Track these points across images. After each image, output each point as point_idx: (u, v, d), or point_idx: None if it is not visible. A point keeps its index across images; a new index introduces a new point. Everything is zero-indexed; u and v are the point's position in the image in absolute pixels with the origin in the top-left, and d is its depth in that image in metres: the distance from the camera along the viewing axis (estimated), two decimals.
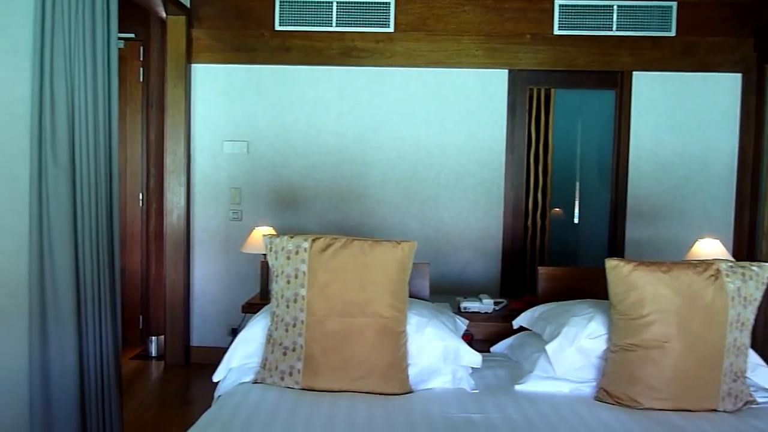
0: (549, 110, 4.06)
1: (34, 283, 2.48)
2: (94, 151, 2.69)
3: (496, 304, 3.14)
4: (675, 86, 3.95)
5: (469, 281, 4.03)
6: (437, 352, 2.06)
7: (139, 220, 4.35)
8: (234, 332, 4.08)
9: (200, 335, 4.16)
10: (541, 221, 4.12)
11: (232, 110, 4.04)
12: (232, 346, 2.16)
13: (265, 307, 2.28)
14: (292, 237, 2.08)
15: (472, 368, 2.10)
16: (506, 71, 3.97)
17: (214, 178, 4.07)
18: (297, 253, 2.02)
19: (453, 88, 3.98)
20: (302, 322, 1.96)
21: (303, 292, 1.97)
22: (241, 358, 2.11)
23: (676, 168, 3.97)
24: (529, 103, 4.03)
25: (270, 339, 2.02)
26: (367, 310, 1.96)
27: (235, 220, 4.07)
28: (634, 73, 3.95)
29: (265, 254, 2.56)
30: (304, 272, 1.99)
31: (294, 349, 1.95)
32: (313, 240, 2.05)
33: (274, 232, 2.99)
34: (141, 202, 4.35)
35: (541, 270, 2.68)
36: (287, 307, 1.99)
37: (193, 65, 4.03)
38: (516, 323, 2.46)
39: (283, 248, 2.05)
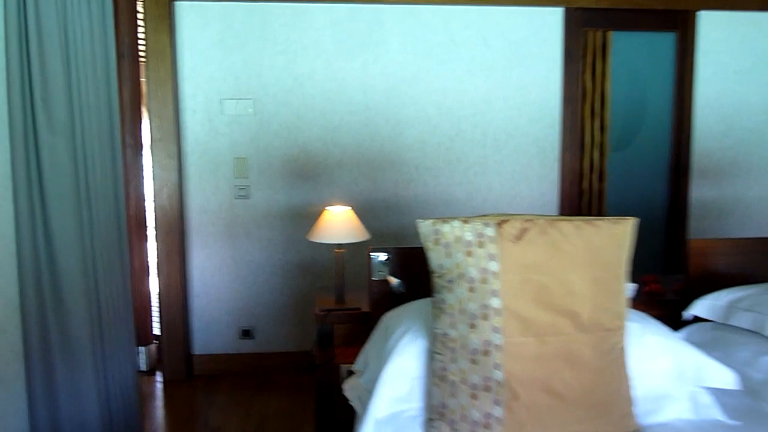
0: (606, 57, 3.55)
1: (30, 307, 1.68)
2: (96, 109, 1.88)
3: None
4: (743, 28, 3.51)
5: None
6: (666, 369, 1.49)
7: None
8: (246, 334, 3.35)
9: (204, 341, 3.39)
10: (599, 184, 3.64)
11: (232, 61, 3.22)
12: (377, 391, 1.45)
13: (403, 321, 1.61)
14: (466, 221, 1.41)
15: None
16: (561, 10, 3.37)
17: (213, 147, 3.26)
18: (481, 245, 1.36)
19: (500, 30, 3.35)
20: (497, 347, 1.32)
21: (496, 303, 1.33)
22: (392, 403, 1.45)
23: (742, 119, 3.56)
24: (584, 49, 3.47)
25: (443, 374, 1.36)
26: (585, 321, 1.35)
27: (242, 198, 3.30)
28: (699, 13, 3.47)
29: (383, 258, 1.90)
30: (495, 273, 1.34)
31: (488, 389, 1.31)
32: (499, 224, 1.39)
33: (351, 210, 2.39)
34: None
35: (693, 243, 2.16)
36: (472, 327, 1.33)
37: (177, 3, 3.17)
38: (690, 313, 1.93)
39: (457, 239, 1.39)
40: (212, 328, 3.38)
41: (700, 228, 3.61)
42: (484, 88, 3.36)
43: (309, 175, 3.31)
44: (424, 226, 1.45)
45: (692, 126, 3.55)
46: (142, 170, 3.37)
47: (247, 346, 3.40)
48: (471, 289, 1.34)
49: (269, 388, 3.24)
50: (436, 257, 1.42)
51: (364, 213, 3.31)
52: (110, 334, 1.90)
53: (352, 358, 1.91)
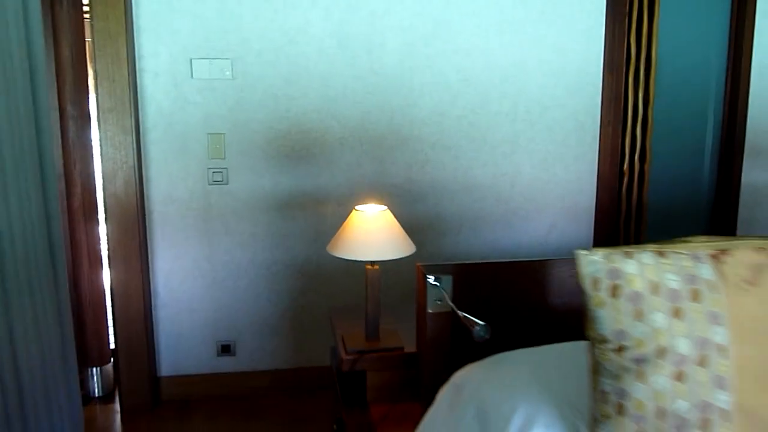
0: (654, 14, 2.99)
1: None
2: (3, 66, 1.22)
3: None
4: None
5: (554, 253, 2.95)
6: None
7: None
8: (226, 350, 2.73)
9: (173, 359, 2.76)
10: (640, 165, 3.12)
11: (204, 9, 2.53)
12: None
13: (518, 405, 1.03)
14: (662, 253, 0.83)
15: None
16: None
17: (180, 120, 2.59)
18: (696, 296, 0.79)
19: None
20: None
21: (724, 400, 0.76)
22: None
23: None
24: (630, 4, 2.91)
25: None
26: None
27: (218, 184, 2.64)
28: None
29: (434, 280, 1.30)
30: (721, 348, 0.77)
31: None
32: (715, 257, 0.81)
33: (388, 212, 1.70)
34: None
35: None
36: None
37: None
38: None
39: (653, 286, 0.81)
40: (183, 343, 2.74)
41: (751, 218, 3.14)
42: (515, 50, 2.76)
43: (302, 156, 2.68)
44: (591, 264, 0.87)
45: (749, 97, 3.04)
46: (91, 149, 2.67)
47: (226, 365, 2.78)
48: (680, 376, 0.77)
49: (255, 415, 2.65)
50: (612, 318, 0.84)
51: (368, 200, 2.71)
52: (36, 356, 1.27)
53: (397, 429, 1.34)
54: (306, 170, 2.69)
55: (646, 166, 3.04)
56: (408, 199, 2.77)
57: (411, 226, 2.77)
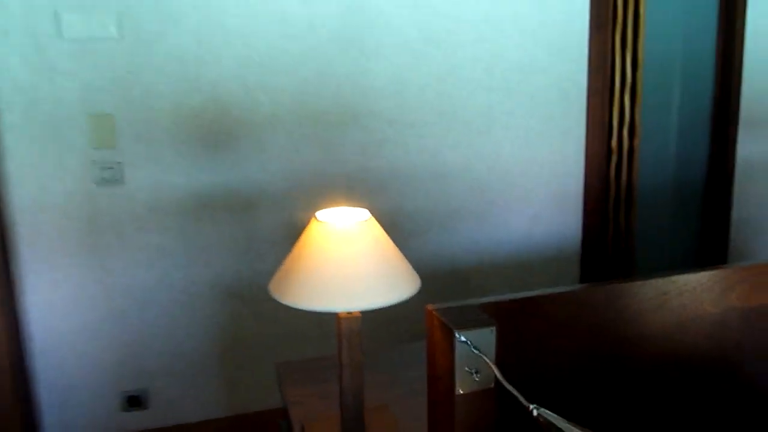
0: None
1: None
2: None
3: None
4: None
5: (539, 253, 2.45)
6: None
7: None
8: (135, 403, 2.07)
9: (61, 420, 2.06)
10: (629, 141, 2.66)
11: None
12: None
13: None
14: None
15: None
16: None
17: (48, 97, 1.87)
18: None
19: None
20: None
21: None
22: None
23: None
24: None
25: None
26: None
27: (108, 184, 1.96)
28: None
29: (468, 341, 0.75)
30: None
31: None
32: None
33: (373, 220, 0.99)
34: None
35: None
36: None
37: None
38: None
39: None
40: (74, 398, 2.05)
41: (745, 195, 2.76)
42: (488, 3, 2.22)
43: (222, 141, 2.03)
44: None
45: (743, 63, 2.65)
46: None
47: (136, 421, 2.11)
48: None
49: None
50: None
51: (313, 196, 2.10)
52: None
53: None
54: (229, 160, 2.04)
55: (636, 142, 2.59)
56: (362, 191, 2.19)
57: None
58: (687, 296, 1.00)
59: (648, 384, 0.99)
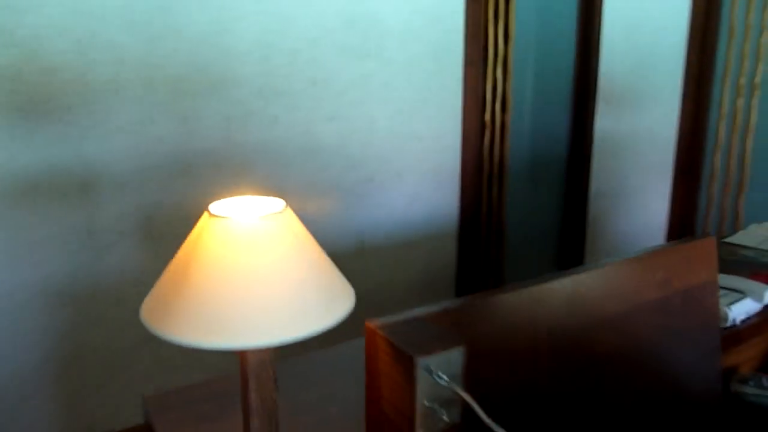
0: None
1: None
2: None
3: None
4: None
5: (418, 232, 2.35)
6: None
7: None
8: None
9: None
10: (501, 115, 2.61)
11: None
12: None
13: None
14: None
15: None
16: None
17: None
18: None
19: None
20: None
21: None
22: None
23: (645, 34, 2.87)
24: None
25: None
26: None
27: None
28: None
29: (440, 377, 0.55)
30: None
31: None
32: None
33: (291, 212, 0.71)
34: None
35: None
36: None
37: None
38: None
39: None
40: None
41: (602, 169, 2.90)
42: None
43: (50, 111, 1.63)
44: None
45: (600, 39, 2.74)
46: None
47: None
48: None
49: None
50: None
51: (168, 176, 1.79)
52: None
53: None
54: (58, 133, 1.65)
55: (507, 117, 2.57)
56: (227, 170, 1.90)
57: None
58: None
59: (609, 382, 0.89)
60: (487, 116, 2.51)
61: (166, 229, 1.84)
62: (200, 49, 1.79)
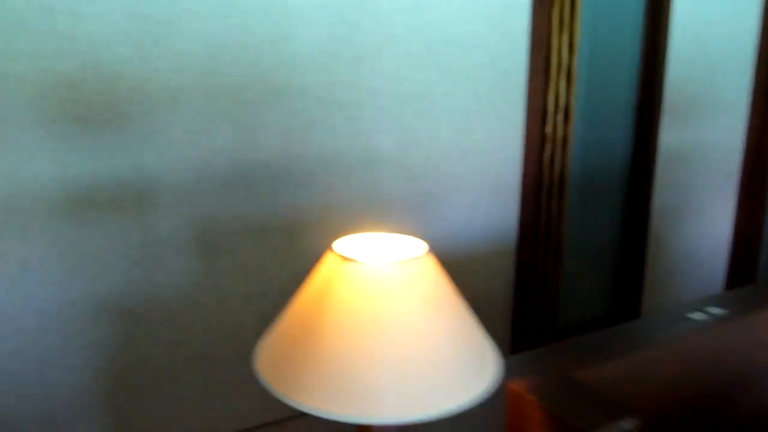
0: None
1: None
2: None
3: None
4: None
5: (476, 248, 2.25)
6: None
7: None
8: None
9: None
10: (564, 127, 2.50)
11: None
12: None
13: None
14: None
15: None
16: None
17: None
18: None
19: None
20: None
21: None
22: None
23: (714, 42, 2.72)
24: None
25: None
26: None
27: None
28: None
29: None
30: None
31: None
32: None
33: (432, 259, 0.64)
34: None
35: None
36: None
37: None
38: None
39: None
40: None
41: (665, 183, 2.75)
42: None
43: (108, 120, 1.56)
44: None
45: (668, 46, 2.60)
46: None
47: None
48: None
49: None
50: None
51: (225, 189, 1.71)
52: None
53: None
54: (115, 143, 1.58)
55: (569, 128, 2.45)
56: (285, 183, 1.82)
57: (293, 225, 1.84)
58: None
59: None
60: (549, 128, 2.40)
61: (220, 245, 1.76)
62: (262, 56, 1.71)
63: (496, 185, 2.24)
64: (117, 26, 1.52)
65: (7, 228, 1.50)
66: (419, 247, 0.58)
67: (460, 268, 2.23)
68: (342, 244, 0.59)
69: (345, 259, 0.54)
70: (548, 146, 2.43)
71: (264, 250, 1.83)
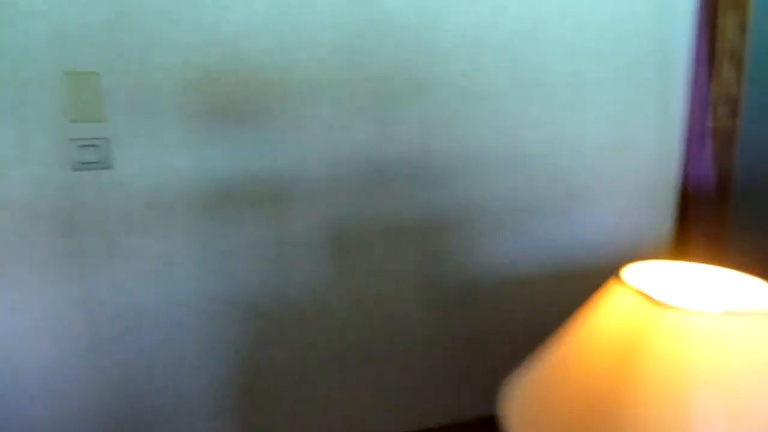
0: None
1: None
2: None
3: None
4: None
5: (625, 255, 2.01)
6: None
7: None
8: None
9: None
10: (731, 120, 2.23)
11: None
12: None
13: None
14: None
15: None
16: None
17: (7, 43, 1.33)
18: None
19: None
20: None
21: None
22: None
23: None
24: None
25: None
26: None
27: (92, 167, 1.43)
28: None
29: None
30: None
31: None
32: None
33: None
34: None
35: None
36: None
37: None
38: None
39: None
40: None
41: None
42: None
43: (249, 113, 1.51)
44: None
45: None
46: None
47: None
48: None
49: None
50: None
51: (361, 186, 1.61)
52: None
53: None
54: (256, 138, 1.53)
55: (737, 122, 2.15)
56: (423, 180, 1.70)
57: (430, 226, 1.71)
58: None
59: None
60: (713, 122, 2.12)
61: (354, 246, 1.67)
62: (403, 46, 1.60)
63: (649, 186, 2.00)
64: (261, 16, 1.46)
65: (149, 221, 1.48)
66: (761, 293, 0.41)
67: (605, 279, 2.01)
68: (635, 277, 0.43)
69: (659, 305, 0.38)
70: (712, 142, 2.14)
71: (399, 251, 1.71)
